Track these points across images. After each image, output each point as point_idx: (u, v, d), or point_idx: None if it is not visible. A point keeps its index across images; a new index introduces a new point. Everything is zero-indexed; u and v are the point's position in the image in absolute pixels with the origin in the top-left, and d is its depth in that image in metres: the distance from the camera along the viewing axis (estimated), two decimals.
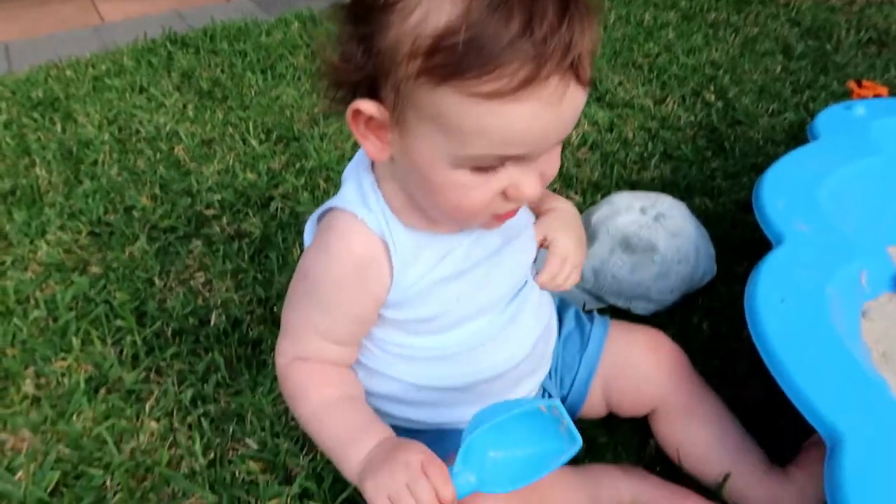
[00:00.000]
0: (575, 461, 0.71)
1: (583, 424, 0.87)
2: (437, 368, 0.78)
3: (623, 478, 0.82)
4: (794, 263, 0.88)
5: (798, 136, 1.69)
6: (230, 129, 1.68)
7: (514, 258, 0.78)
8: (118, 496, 0.92)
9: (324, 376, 0.76)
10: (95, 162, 1.57)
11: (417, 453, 0.65)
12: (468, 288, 0.74)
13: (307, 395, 0.75)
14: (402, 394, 0.80)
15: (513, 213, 0.67)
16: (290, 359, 0.77)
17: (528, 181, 0.61)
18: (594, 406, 0.91)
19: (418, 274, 0.71)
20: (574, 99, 0.57)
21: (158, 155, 1.59)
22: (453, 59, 0.53)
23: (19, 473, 0.95)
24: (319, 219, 0.76)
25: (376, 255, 0.70)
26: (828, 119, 1.20)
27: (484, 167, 0.60)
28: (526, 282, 0.81)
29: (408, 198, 0.69)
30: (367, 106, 0.61)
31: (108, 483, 0.94)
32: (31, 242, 1.33)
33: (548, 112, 0.56)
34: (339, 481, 0.92)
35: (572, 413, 0.89)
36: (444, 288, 0.73)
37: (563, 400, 0.90)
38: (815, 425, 0.69)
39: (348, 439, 0.72)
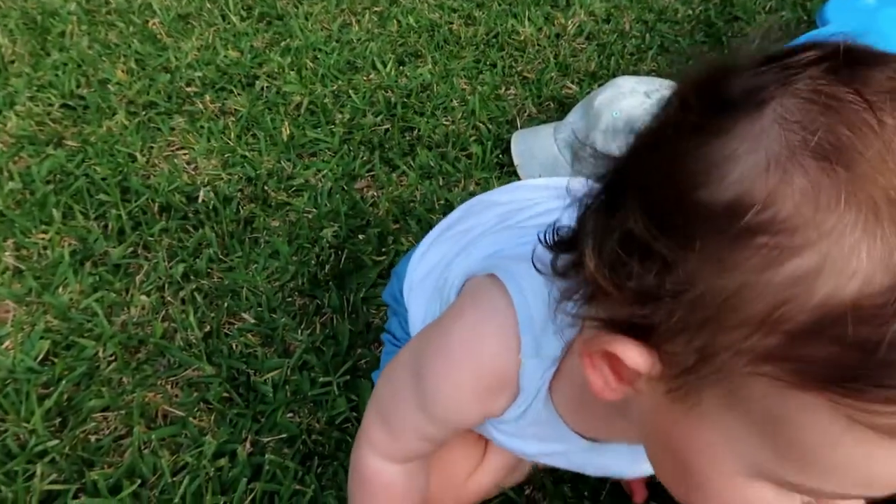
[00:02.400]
0: None
1: None
2: None
3: None
4: None
5: (794, 34, 1.66)
6: (208, 5, 1.57)
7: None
8: (112, 366, 0.90)
9: (420, 476, 0.67)
10: (63, 33, 1.46)
11: None
12: (557, 462, 0.65)
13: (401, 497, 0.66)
14: None
15: None
16: (382, 456, 0.64)
17: None
18: None
19: (520, 435, 0.60)
20: None
21: (132, 28, 1.49)
22: (856, 362, 0.30)
23: (6, 343, 0.92)
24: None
25: (504, 398, 0.56)
26: (837, 7, 1.17)
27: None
28: None
29: (583, 410, 0.54)
30: (633, 356, 0.37)
31: (100, 353, 0.92)
32: (0, 113, 1.25)
33: None
34: (339, 355, 0.92)
35: None
36: (535, 453, 0.63)
37: None
38: None
39: None
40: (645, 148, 0.39)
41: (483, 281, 0.56)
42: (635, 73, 1.43)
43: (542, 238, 0.46)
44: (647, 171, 0.37)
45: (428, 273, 0.73)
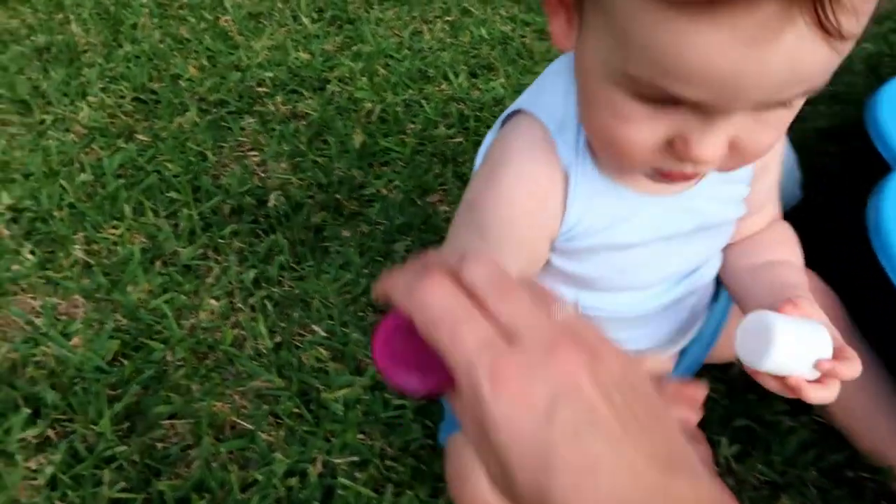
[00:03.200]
0: None
1: None
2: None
3: None
4: None
5: (876, 67, 1.60)
6: (279, 4, 1.56)
7: (699, 247, 0.66)
8: (180, 371, 0.88)
9: None
10: (135, 25, 1.45)
11: None
12: (637, 263, 0.64)
13: None
14: None
15: (684, 176, 0.49)
16: None
17: (705, 141, 0.43)
18: (723, 354, 0.80)
19: (585, 226, 0.59)
20: (800, 48, 0.37)
21: (203, 24, 1.48)
22: None
23: (75, 339, 0.90)
24: (504, 122, 0.62)
25: (554, 190, 0.57)
26: None
27: (649, 98, 0.43)
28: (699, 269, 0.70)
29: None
30: None
31: (168, 357, 0.89)
32: (72, 103, 1.24)
33: (744, 50, 0.37)
34: None
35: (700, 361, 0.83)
36: (610, 255, 0.63)
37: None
38: None
39: None
40: None
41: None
42: None
43: None
44: None
45: None
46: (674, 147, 0.45)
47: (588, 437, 0.29)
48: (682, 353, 0.80)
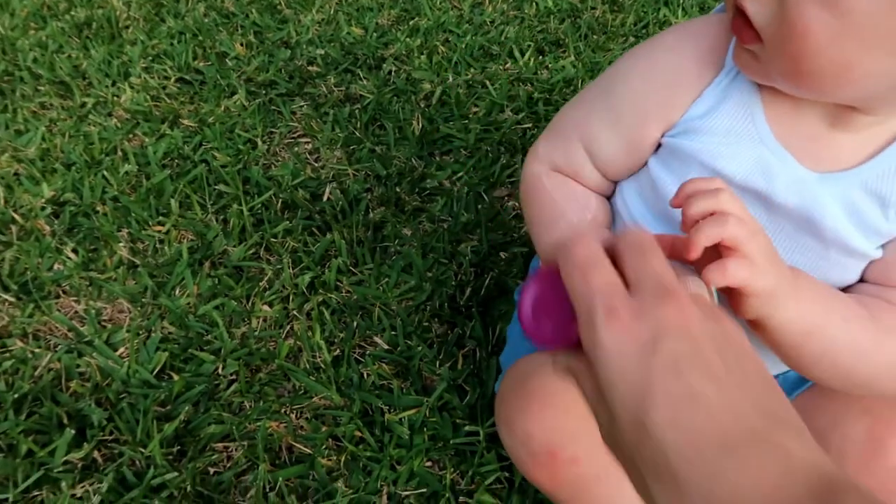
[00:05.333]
0: None
1: None
2: None
3: None
4: None
5: None
6: None
7: (792, 246, 0.54)
8: (233, 387, 0.81)
9: (579, 199, 0.60)
10: None
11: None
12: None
13: (562, 218, 0.60)
14: None
15: (736, 25, 0.45)
16: (548, 167, 0.61)
17: None
18: None
19: (702, 125, 0.53)
20: None
21: None
22: None
23: (121, 349, 0.83)
24: None
25: (705, 71, 0.53)
26: None
27: None
28: None
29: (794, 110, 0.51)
30: None
31: (220, 370, 0.83)
32: (114, 84, 1.17)
33: None
34: (485, 398, 0.80)
35: None
36: (698, 173, 0.54)
37: None
38: None
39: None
40: None
41: None
42: None
43: None
44: None
45: None
46: None
47: (690, 371, 0.30)
48: None
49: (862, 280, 0.54)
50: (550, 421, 0.59)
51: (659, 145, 0.56)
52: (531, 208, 0.62)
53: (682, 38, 0.55)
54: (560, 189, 0.60)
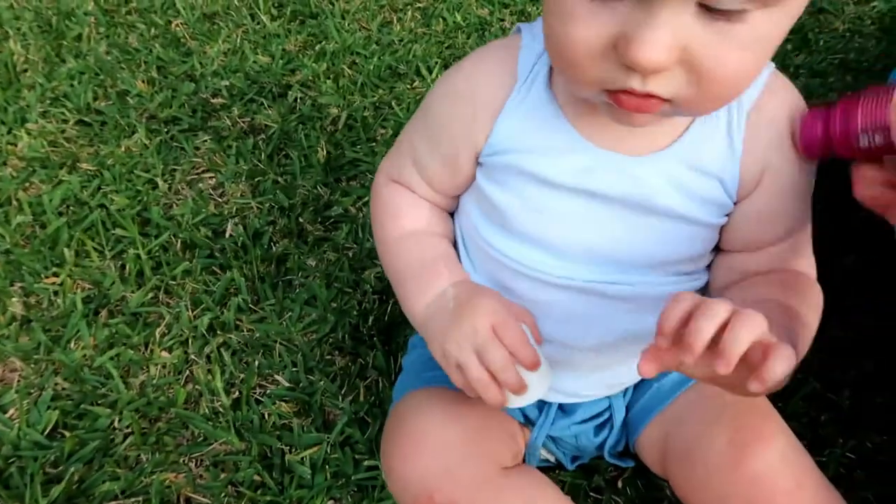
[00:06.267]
0: None
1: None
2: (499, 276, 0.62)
3: None
4: None
5: (890, 28, 1.47)
6: (235, 2, 1.44)
7: (636, 233, 0.55)
8: (128, 440, 0.79)
9: (414, 206, 0.65)
10: (80, 37, 1.34)
11: (487, 315, 0.53)
12: (553, 209, 0.55)
13: (394, 219, 0.65)
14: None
15: (637, 103, 0.45)
16: (387, 178, 0.66)
17: (648, 36, 0.40)
18: (650, 451, 0.67)
19: (512, 143, 0.55)
20: None
21: (153, 30, 1.36)
22: None
23: (11, 411, 0.81)
24: None
25: (500, 90, 0.56)
26: None
27: None
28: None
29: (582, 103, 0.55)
30: None
31: (115, 423, 0.80)
32: (10, 132, 1.14)
33: None
34: None
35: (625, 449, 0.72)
36: (527, 184, 0.56)
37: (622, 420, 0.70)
38: None
39: (422, 273, 0.61)
40: None
41: None
42: None
43: None
44: None
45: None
46: (617, 50, 0.42)
47: None
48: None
49: (721, 249, 0.59)
50: (425, 463, 0.59)
51: (480, 164, 0.58)
52: (374, 217, 0.67)
53: (476, 62, 0.58)
54: (396, 198, 0.64)
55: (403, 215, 0.64)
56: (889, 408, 0.80)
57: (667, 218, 0.54)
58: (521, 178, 0.55)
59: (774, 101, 0.53)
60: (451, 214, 0.67)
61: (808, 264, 0.57)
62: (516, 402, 0.54)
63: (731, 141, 0.53)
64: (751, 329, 0.40)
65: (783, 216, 0.55)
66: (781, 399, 0.80)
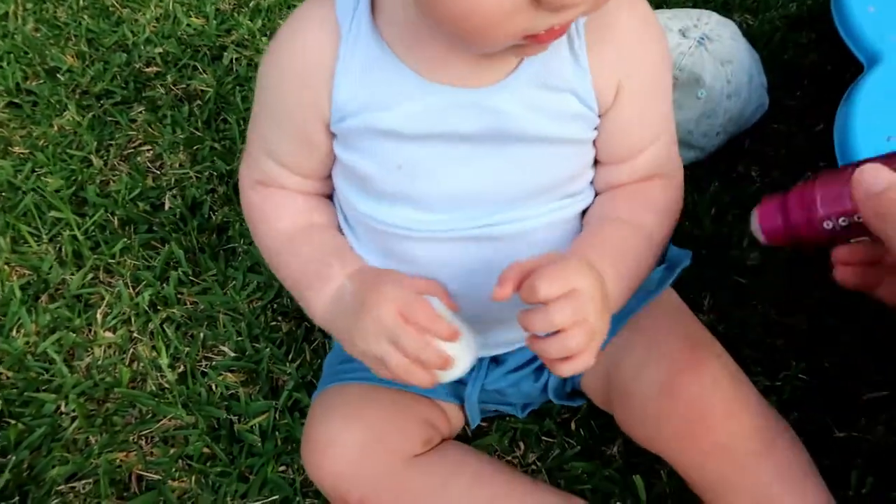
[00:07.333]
0: None
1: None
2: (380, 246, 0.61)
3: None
4: None
5: None
6: None
7: (504, 167, 0.54)
8: (75, 424, 0.78)
9: (287, 203, 0.61)
10: (6, 15, 1.29)
11: (389, 301, 0.50)
12: (415, 162, 0.54)
13: (269, 224, 0.62)
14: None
15: (553, 35, 0.44)
16: (250, 183, 0.63)
17: None
18: (594, 389, 0.67)
19: (358, 104, 0.52)
20: None
21: (82, 2, 1.31)
22: None
23: None
24: None
25: (326, 48, 0.52)
26: None
27: None
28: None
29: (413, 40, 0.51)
30: None
31: (62, 408, 0.80)
32: None
33: None
34: None
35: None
36: (380, 144, 0.53)
37: None
38: None
39: (314, 274, 0.58)
40: None
41: None
42: (665, 5, 1.22)
43: None
44: None
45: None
46: (541, 2, 0.40)
47: None
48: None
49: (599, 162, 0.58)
50: (331, 470, 0.61)
51: (334, 134, 0.55)
52: (250, 228, 0.65)
53: (293, 27, 0.55)
54: (266, 202, 0.62)
55: (277, 218, 0.61)
56: (840, 330, 0.78)
57: (534, 143, 0.52)
58: (375, 139, 0.53)
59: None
60: (331, 197, 0.64)
61: (674, 167, 0.60)
62: (450, 375, 0.52)
63: (574, 53, 0.51)
64: None
65: (648, 121, 0.56)
66: (740, 328, 0.79)
